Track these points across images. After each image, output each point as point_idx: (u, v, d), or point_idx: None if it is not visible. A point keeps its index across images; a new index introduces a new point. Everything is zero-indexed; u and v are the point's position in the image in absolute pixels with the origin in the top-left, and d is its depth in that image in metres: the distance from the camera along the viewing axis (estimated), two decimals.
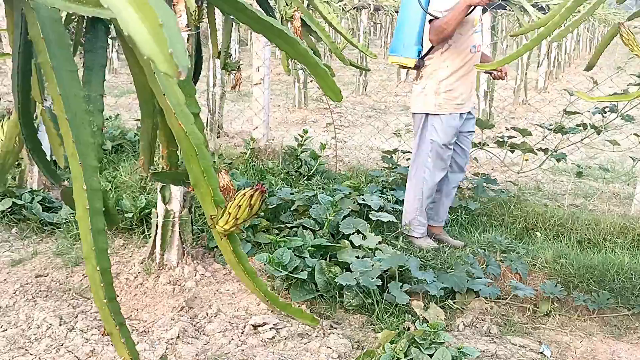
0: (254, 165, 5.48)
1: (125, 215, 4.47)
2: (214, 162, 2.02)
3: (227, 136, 7.38)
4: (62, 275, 3.91)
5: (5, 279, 3.85)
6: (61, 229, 4.55)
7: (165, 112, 1.40)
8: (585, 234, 4.61)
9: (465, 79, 4.04)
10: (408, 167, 5.31)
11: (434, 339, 2.93)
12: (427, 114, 4.11)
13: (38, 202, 4.82)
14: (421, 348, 2.86)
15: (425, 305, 3.45)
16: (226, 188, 2.02)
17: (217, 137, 7.02)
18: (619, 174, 6.63)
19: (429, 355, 2.82)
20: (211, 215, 1.36)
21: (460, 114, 4.08)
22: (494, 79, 4.44)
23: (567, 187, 6.37)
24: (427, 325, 2.97)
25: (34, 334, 3.24)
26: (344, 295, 3.51)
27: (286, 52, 1.57)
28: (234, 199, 1.32)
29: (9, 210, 4.71)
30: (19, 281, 3.79)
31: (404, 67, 4.32)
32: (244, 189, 1.31)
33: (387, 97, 12.16)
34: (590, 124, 4.99)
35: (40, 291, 3.70)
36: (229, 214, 1.32)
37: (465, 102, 4.11)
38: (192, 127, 1.38)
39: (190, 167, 1.38)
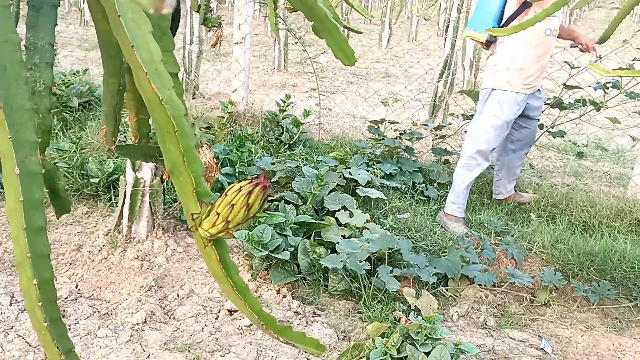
0: (232, 130, 5.10)
1: (90, 180, 4.09)
2: (198, 138, 1.65)
3: (204, 97, 6.95)
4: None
5: None
6: None
7: (134, 71, 1.05)
8: (581, 217, 4.37)
9: (538, 61, 3.99)
10: (395, 138, 5.01)
11: (429, 334, 2.65)
12: (493, 89, 4.06)
13: None
14: (416, 345, 2.59)
15: (417, 293, 3.18)
16: (208, 166, 1.69)
17: (193, 98, 6.60)
18: (609, 153, 6.41)
19: (425, 353, 2.55)
20: (192, 214, 1.02)
21: (526, 94, 4.06)
22: (581, 51, 4.25)
23: (555, 164, 6.14)
24: (422, 319, 2.69)
25: None
26: (329, 279, 3.21)
27: (291, 2, 1.23)
28: (226, 194, 0.98)
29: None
30: None
31: (478, 42, 4.29)
32: (238, 180, 0.96)
33: (368, 64, 11.77)
34: (589, 100, 4.71)
35: None
36: (218, 214, 0.98)
37: (533, 83, 4.06)
38: (169, 93, 1.03)
39: (166, 148, 1.04)
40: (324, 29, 1.37)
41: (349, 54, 1.48)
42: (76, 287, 3.21)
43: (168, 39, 1.38)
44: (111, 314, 3.00)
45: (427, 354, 2.54)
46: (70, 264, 3.39)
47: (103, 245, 3.51)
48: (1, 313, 2.90)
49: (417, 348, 2.57)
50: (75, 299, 3.10)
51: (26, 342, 2.73)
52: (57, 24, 1.29)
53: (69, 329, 2.83)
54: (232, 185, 1.01)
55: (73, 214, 3.91)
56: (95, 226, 3.76)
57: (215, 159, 1.60)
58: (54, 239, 3.60)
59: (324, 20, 1.32)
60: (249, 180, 0.98)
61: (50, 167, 1.38)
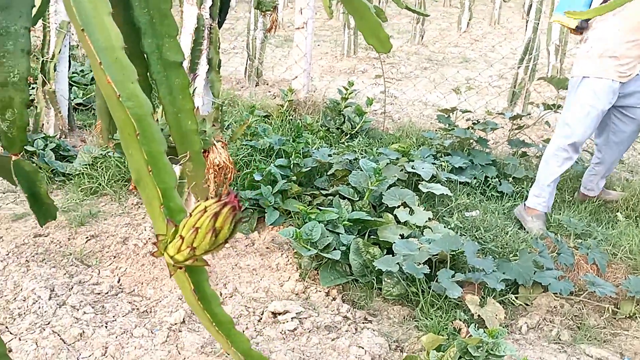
0: (291, 119, 4.88)
1: None
2: (210, 135, 1.42)
3: (267, 84, 6.77)
4: (63, 236, 3.45)
5: (1, 237, 3.42)
6: (73, 182, 4.09)
7: (90, 59, 0.83)
8: None
9: (634, 47, 3.66)
10: (467, 129, 4.65)
11: (491, 350, 2.33)
12: (585, 77, 3.75)
13: (51, 149, 4.37)
14: None
15: (481, 301, 2.85)
16: (222, 166, 1.47)
17: (256, 85, 6.42)
18: None
19: None
20: (157, 236, 0.80)
21: (621, 82, 3.73)
22: None
23: None
24: (485, 332, 2.37)
25: (19, 308, 2.78)
26: (383, 282, 2.93)
27: None
28: (191, 214, 0.76)
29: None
30: (15, 240, 3.35)
31: (567, 28, 4.04)
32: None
33: (446, 48, 11.27)
34: None
35: (36, 254, 3.25)
36: (182, 238, 0.76)
37: (630, 72, 3.72)
38: (132, 88, 0.80)
39: (129, 154, 0.82)
40: (354, 10, 1.12)
41: (383, 40, 1.21)
42: (118, 282, 3.08)
43: (170, 22, 1.15)
44: (150, 311, 2.85)
45: None
46: (115, 257, 3.27)
47: (149, 238, 3.37)
48: (39, 307, 2.79)
49: None
50: (116, 294, 2.97)
51: (61, 339, 2.61)
52: (34, 5, 1.08)
53: (106, 326, 2.69)
54: (197, 204, 0.78)
55: (123, 205, 3.80)
56: (143, 218, 3.63)
57: (230, 158, 1.38)
58: (101, 230, 3.49)
59: (352, 1, 1.08)
60: (216, 199, 0.75)
61: (31, 168, 1.19)
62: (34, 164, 4.35)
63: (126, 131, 0.79)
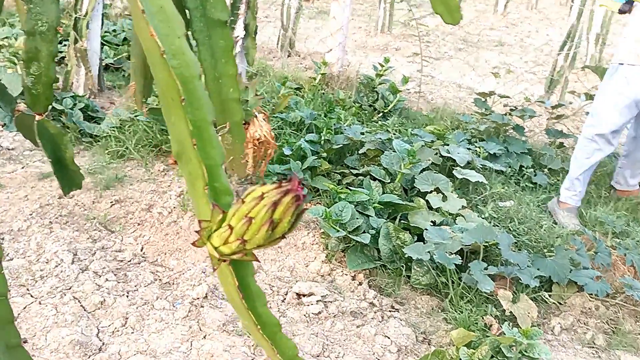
0: (323, 93, 4.75)
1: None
2: (252, 106, 1.29)
3: (299, 56, 6.63)
4: (88, 199, 3.39)
5: (26, 195, 3.37)
6: (100, 144, 4.03)
7: (130, 6, 0.73)
8: None
9: None
10: (504, 114, 4.50)
11: (525, 352, 2.24)
12: (620, 64, 3.55)
13: (80, 109, 4.30)
14: None
15: (514, 296, 2.74)
16: (263, 141, 1.36)
17: (288, 56, 6.29)
18: None
19: None
20: (200, 221, 0.70)
21: None
22: None
23: None
24: (519, 332, 2.27)
25: (41, 270, 2.74)
26: (412, 270, 2.84)
27: None
28: (243, 201, 0.65)
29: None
30: (39, 200, 3.30)
31: (612, 11, 3.85)
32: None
33: (481, 30, 10.99)
34: None
35: (60, 216, 3.20)
36: (230, 228, 0.66)
37: None
38: (178, 44, 0.70)
39: (171, 123, 0.72)
40: None
41: (453, 8, 1.09)
42: (141, 250, 3.02)
43: None
44: (172, 283, 2.78)
45: None
46: (139, 224, 3.21)
47: (174, 208, 3.30)
48: (62, 271, 2.74)
49: None
50: (139, 263, 2.91)
51: (81, 305, 2.56)
52: None
53: (127, 295, 2.64)
54: (252, 188, 0.67)
55: (149, 171, 3.73)
56: (169, 185, 3.56)
57: (272, 133, 1.27)
58: (126, 195, 3.43)
59: None
60: (276, 185, 0.64)
61: (56, 131, 1.09)
62: (60, 125, 4.30)
63: (169, 95, 0.69)
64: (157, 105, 1.16)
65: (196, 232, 0.69)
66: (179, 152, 0.70)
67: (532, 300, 2.77)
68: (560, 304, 2.87)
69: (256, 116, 1.24)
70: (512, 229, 3.27)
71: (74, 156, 1.11)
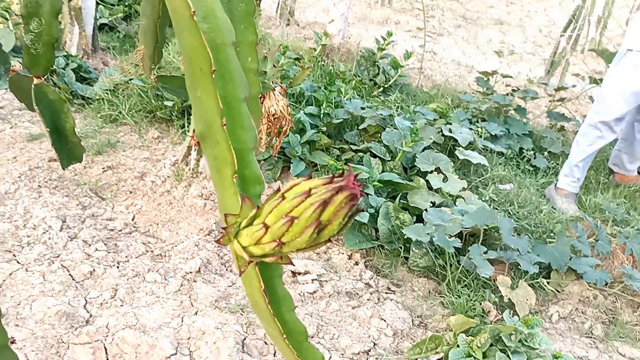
0: (323, 65, 4.64)
1: (165, 102, 3.78)
2: (270, 78, 1.16)
3: (298, 25, 6.48)
4: (79, 164, 3.29)
5: (15, 157, 3.26)
6: (92, 107, 3.91)
7: None
8: None
9: None
10: (506, 95, 4.42)
11: (525, 341, 2.19)
12: (629, 50, 3.44)
13: (72, 69, 4.16)
14: (508, 352, 2.13)
15: (512, 283, 2.69)
16: (279, 116, 1.26)
17: (287, 25, 6.14)
18: None
19: None
20: (226, 215, 0.61)
21: None
22: None
23: None
24: (520, 321, 2.22)
25: (28, 236, 2.65)
26: (411, 252, 2.77)
27: None
28: (284, 196, 0.56)
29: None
30: (28, 162, 3.19)
31: None
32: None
33: (480, 7, 10.82)
34: None
35: (49, 180, 3.09)
36: (266, 227, 0.56)
37: None
38: (210, 4, 0.61)
39: (197, 97, 0.63)
40: None
41: None
42: (132, 220, 2.93)
43: None
44: (165, 255, 2.71)
45: None
46: (131, 192, 3.12)
47: (167, 177, 3.21)
48: (50, 238, 2.65)
49: (508, 357, 2.11)
50: (130, 233, 2.83)
51: (70, 275, 2.48)
52: None
53: (118, 266, 2.56)
54: (295, 181, 0.58)
55: (143, 137, 3.62)
56: (163, 153, 3.46)
57: (288, 108, 1.17)
58: (118, 161, 3.33)
59: None
60: (327, 179, 0.55)
61: (55, 97, 0.99)
62: (55, 87, 4.17)
63: (197, 64, 0.60)
64: (168, 74, 1.05)
65: (222, 228, 0.60)
66: (204, 132, 0.61)
67: (530, 286, 2.72)
68: (558, 291, 2.83)
69: (273, 89, 1.14)
70: (511, 213, 3.22)
71: (75, 126, 1.01)
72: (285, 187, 0.56)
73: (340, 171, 0.55)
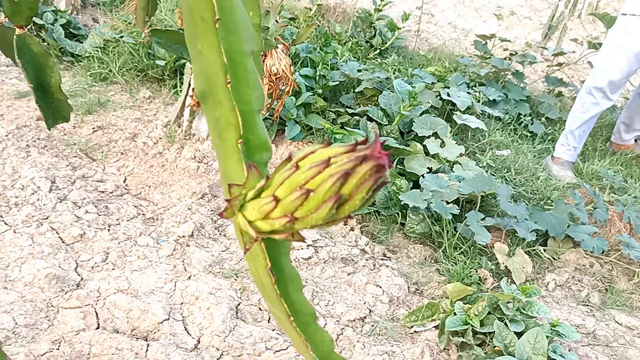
0: (319, 26, 4.52)
1: (156, 62, 3.67)
2: (272, 34, 1.07)
3: None
4: (69, 124, 3.20)
5: (1, 115, 3.17)
6: (82, 64, 3.80)
7: None
8: None
9: None
10: (504, 59, 4.34)
11: (523, 309, 2.17)
12: (624, 14, 3.37)
13: (61, 25, 4.04)
14: (506, 320, 2.11)
15: (509, 250, 2.66)
16: (280, 76, 1.18)
17: None
18: None
19: (515, 333, 2.07)
20: (230, 186, 0.54)
21: None
22: None
23: None
24: (518, 289, 2.19)
25: (16, 197, 2.58)
26: (407, 218, 2.73)
27: None
28: (297, 165, 0.50)
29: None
30: (16, 121, 3.11)
31: None
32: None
33: None
34: None
35: (38, 139, 3.01)
36: (276, 200, 0.50)
37: None
38: None
39: (197, 50, 0.56)
40: None
41: None
42: (124, 182, 2.86)
43: None
44: (157, 219, 2.65)
45: (519, 334, 2.07)
46: (122, 153, 3.04)
47: (160, 138, 3.13)
48: (38, 199, 2.59)
49: (506, 325, 2.09)
50: (121, 195, 2.77)
51: (59, 237, 2.42)
52: None
53: (109, 229, 2.50)
54: (310, 149, 0.51)
55: (134, 97, 3.53)
56: (155, 114, 3.37)
57: (291, 68, 1.10)
58: (108, 121, 3.25)
59: None
60: (349, 147, 0.48)
61: (40, 49, 0.91)
62: (44, 43, 4.04)
63: (198, 13, 0.53)
64: (163, 28, 0.97)
65: (226, 200, 0.54)
66: (205, 91, 0.54)
67: (526, 254, 2.70)
68: (554, 258, 2.81)
69: (276, 47, 1.06)
70: (508, 180, 3.18)
71: (61, 82, 0.94)
72: (298, 155, 0.49)
73: (365, 138, 0.48)
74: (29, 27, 0.89)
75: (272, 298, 0.60)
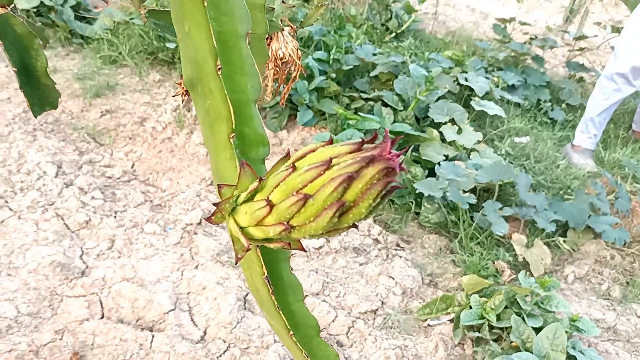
0: (333, 8, 4.42)
1: (166, 44, 3.59)
2: (278, 16, 0.99)
3: None
4: (76, 107, 3.15)
5: (9, 98, 3.12)
6: (91, 47, 3.73)
7: None
8: None
9: None
10: (524, 43, 4.22)
11: (541, 304, 2.08)
12: None
13: (71, 7, 3.97)
14: (523, 315, 2.03)
15: (528, 241, 2.57)
16: (287, 61, 1.10)
17: None
18: None
19: (534, 328, 1.99)
20: (219, 187, 0.47)
21: None
22: None
23: None
24: (536, 282, 2.11)
25: (21, 182, 2.53)
26: (422, 207, 2.65)
27: None
28: (294, 166, 0.42)
29: (35, 10, 3.85)
30: (23, 104, 3.05)
31: None
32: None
33: None
34: None
35: (45, 123, 2.96)
36: (270, 205, 0.43)
37: None
38: None
39: (185, 32, 0.48)
40: None
41: None
42: (132, 167, 2.81)
43: None
44: (164, 206, 2.59)
45: (537, 329, 1.98)
46: (130, 138, 2.98)
47: (169, 123, 3.07)
48: (44, 184, 2.54)
49: (523, 320, 2.01)
50: (129, 181, 2.71)
51: (65, 224, 2.37)
52: None
53: (115, 216, 2.45)
54: (310, 147, 0.44)
55: (143, 80, 3.46)
56: (164, 98, 3.30)
57: (299, 52, 1.02)
58: (117, 105, 3.18)
59: None
60: (355, 145, 0.41)
61: (23, 30, 0.84)
62: (33, 24, 4.00)
63: None
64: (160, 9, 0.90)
65: (214, 204, 0.47)
66: (193, 78, 0.47)
67: (545, 245, 2.61)
68: (573, 250, 2.71)
69: (282, 29, 0.98)
70: (527, 168, 3.08)
71: (47, 66, 0.86)
72: (297, 153, 0.42)
73: (373, 135, 0.40)
74: (11, 6, 0.81)
75: (270, 309, 0.52)
